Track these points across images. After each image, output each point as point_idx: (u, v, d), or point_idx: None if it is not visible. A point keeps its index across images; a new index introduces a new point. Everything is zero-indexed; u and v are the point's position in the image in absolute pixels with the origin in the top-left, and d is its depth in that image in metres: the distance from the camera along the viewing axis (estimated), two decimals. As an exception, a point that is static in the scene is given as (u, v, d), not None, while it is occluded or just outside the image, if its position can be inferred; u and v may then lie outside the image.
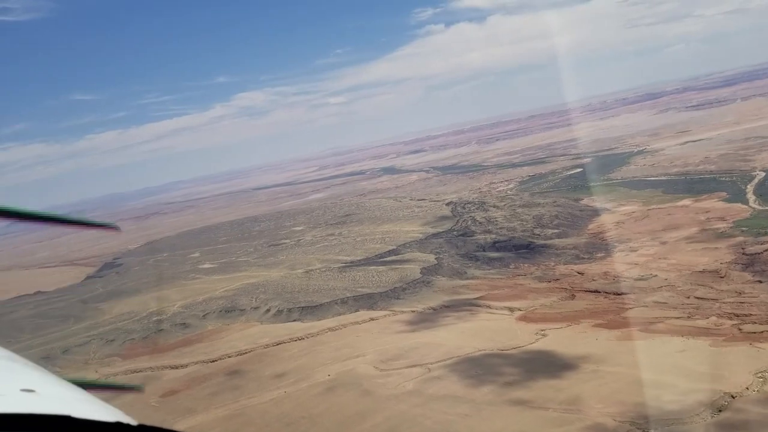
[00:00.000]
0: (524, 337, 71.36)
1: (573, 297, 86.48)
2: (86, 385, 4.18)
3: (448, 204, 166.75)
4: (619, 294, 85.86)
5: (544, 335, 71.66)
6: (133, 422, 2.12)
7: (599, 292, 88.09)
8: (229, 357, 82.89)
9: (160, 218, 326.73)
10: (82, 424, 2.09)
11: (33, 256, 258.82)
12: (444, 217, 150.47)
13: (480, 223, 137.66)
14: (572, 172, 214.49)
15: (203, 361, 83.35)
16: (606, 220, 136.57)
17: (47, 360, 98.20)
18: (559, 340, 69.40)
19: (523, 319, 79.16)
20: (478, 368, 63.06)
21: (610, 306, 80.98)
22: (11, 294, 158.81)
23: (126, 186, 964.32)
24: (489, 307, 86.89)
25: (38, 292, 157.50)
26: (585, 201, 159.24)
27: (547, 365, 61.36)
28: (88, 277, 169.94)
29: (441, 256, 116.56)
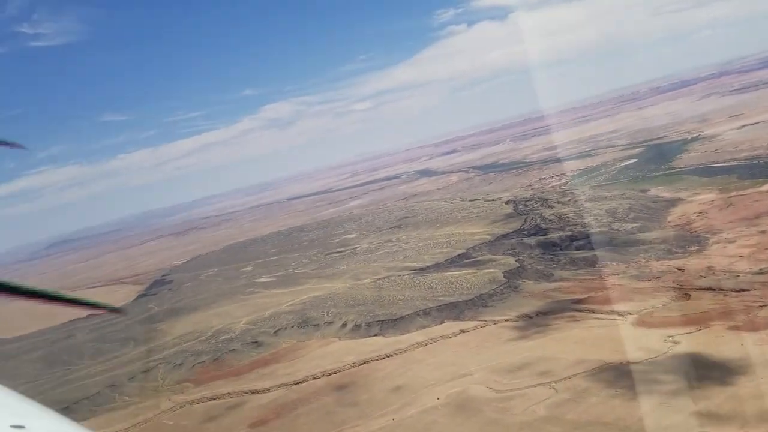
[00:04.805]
0: (653, 346, 63.38)
1: (688, 297, 78.08)
2: (61, 299, 3.88)
3: (507, 202, 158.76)
4: (739, 291, 77.36)
5: (675, 342, 63.60)
6: None
7: (714, 289, 79.63)
8: (316, 379, 76.15)
9: (199, 233, 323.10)
10: None
11: (78, 276, 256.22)
12: (509, 216, 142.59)
13: (550, 220, 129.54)
14: (627, 163, 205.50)
15: (287, 384, 76.74)
16: (685, 210, 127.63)
17: (113, 388, 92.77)
18: (696, 347, 61.32)
19: (642, 324, 71.10)
20: (617, 385, 55.34)
21: (736, 305, 72.43)
22: (64, 318, 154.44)
23: (159, 203, 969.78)
24: (593, 311, 78.94)
25: (90, 315, 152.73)
26: (653, 192, 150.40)
27: (702, 378, 53.32)
28: (140, 296, 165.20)
29: (520, 257, 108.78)
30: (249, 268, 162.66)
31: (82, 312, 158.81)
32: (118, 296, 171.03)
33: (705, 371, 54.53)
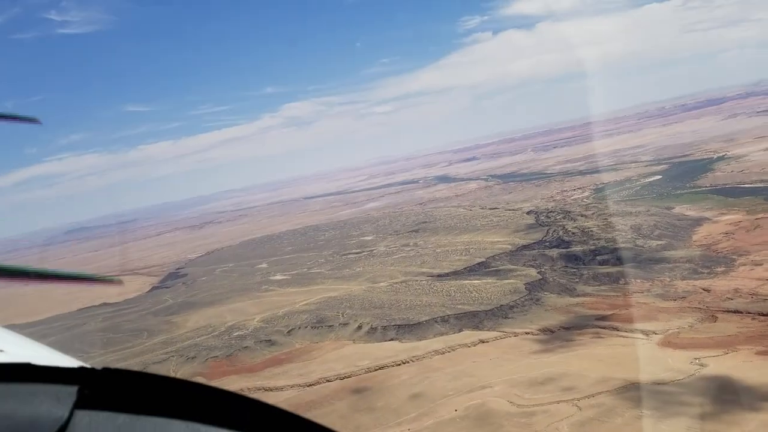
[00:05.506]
0: (680, 367, 61.49)
1: (714, 319, 76.02)
2: (60, 276, 4.03)
3: (528, 213, 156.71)
4: (766, 315, 75.20)
5: (702, 365, 61.66)
6: (98, 367, 2.11)
7: (741, 312, 77.48)
8: (329, 381, 74.88)
9: (215, 227, 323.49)
10: (45, 371, 2.03)
11: (92, 265, 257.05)
12: (530, 227, 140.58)
13: (573, 233, 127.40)
14: (651, 179, 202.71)
15: (300, 385, 75.57)
16: (711, 230, 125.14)
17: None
18: (724, 370, 59.36)
19: (667, 344, 69.18)
20: (643, 405, 53.51)
21: (764, 329, 70.40)
22: (76, 305, 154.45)
23: (177, 195, 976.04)
24: (617, 329, 77.07)
25: (104, 304, 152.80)
26: (678, 209, 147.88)
27: (731, 402, 51.40)
28: (154, 288, 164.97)
29: (542, 269, 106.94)
30: (264, 265, 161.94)
31: (94, 299, 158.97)
32: (132, 287, 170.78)
33: (734, 396, 52.67)
